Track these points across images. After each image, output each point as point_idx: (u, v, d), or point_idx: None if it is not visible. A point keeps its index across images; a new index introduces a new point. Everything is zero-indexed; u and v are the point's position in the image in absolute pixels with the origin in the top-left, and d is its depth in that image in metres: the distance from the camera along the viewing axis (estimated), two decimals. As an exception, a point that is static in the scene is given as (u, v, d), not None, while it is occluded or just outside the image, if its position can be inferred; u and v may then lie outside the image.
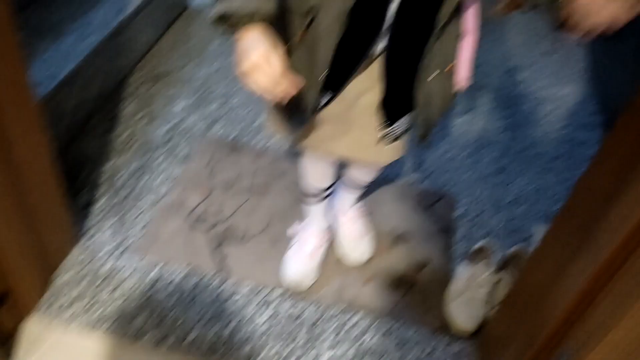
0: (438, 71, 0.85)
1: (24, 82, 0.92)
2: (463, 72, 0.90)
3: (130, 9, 1.69)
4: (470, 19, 0.87)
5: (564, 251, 0.84)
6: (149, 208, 1.37)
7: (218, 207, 1.39)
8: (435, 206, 1.49)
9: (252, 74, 0.72)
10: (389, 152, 1.00)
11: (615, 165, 0.75)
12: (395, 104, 0.90)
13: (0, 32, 0.83)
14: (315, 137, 0.96)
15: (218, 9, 0.71)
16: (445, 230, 1.43)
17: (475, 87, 1.96)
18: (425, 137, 0.95)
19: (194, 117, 1.66)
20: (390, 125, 0.92)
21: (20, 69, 0.90)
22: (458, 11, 0.82)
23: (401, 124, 0.93)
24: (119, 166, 1.47)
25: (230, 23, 0.72)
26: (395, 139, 0.96)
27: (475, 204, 1.52)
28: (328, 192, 1.22)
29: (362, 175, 1.19)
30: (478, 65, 2.09)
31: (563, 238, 0.87)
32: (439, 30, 0.80)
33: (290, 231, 1.32)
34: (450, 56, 0.87)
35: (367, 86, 0.89)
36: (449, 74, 0.88)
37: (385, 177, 1.54)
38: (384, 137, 0.95)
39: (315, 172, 1.15)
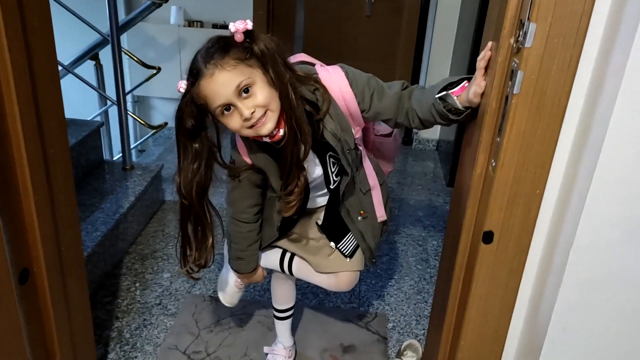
0: (359, 216, 1.40)
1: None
2: (379, 211, 1.45)
3: (124, 207, 2.22)
4: (370, 180, 1.42)
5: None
6: (153, 352, 1.76)
7: (205, 345, 1.80)
8: (372, 322, 1.96)
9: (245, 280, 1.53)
10: (352, 264, 1.43)
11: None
12: (332, 230, 1.42)
13: (67, 203, 1.32)
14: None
15: (234, 269, 1.49)
16: (382, 339, 1.88)
17: (393, 233, 2.54)
18: (372, 259, 1.47)
19: (178, 282, 2.11)
20: (337, 244, 1.42)
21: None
22: (354, 181, 1.38)
23: (346, 244, 1.42)
24: (124, 325, 1.87)
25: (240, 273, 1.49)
26: (349, 255, 1.42)
27: (402, 318, 2.00)
28: (290, 313, 1.68)
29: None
30: (395, 215, 2.70)
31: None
32: (351, 193, 1.37)
33: (265, 349, 1.74)
34: (362, 205, 1.42)
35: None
36: (365, 217, 1.42)
37: (333, 305, 2.01)
38: (339, 252, 1.42)
39: (280, 293, 1.62)
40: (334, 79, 1.23)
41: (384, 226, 1.49)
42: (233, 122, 1.13)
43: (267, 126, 1.14)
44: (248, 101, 1.10)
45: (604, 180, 0.84)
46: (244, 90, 1.09)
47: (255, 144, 1.26)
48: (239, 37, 1.09)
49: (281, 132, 1.17)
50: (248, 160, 1.30)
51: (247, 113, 1.10)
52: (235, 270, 1.50)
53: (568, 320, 0.94)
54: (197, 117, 1.15)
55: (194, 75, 1.10)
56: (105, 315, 1.91)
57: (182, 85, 1.13)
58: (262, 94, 1.11)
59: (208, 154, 1.20)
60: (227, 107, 1.11)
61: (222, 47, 1.09)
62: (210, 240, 1.30)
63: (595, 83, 0.88)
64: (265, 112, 1.12)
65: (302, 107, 1.17)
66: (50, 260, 1.25)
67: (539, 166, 0.96)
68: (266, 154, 1.27)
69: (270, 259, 1.51)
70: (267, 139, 1.19)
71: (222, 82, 1.08)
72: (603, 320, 0.93)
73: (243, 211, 1.39)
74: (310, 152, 1.23)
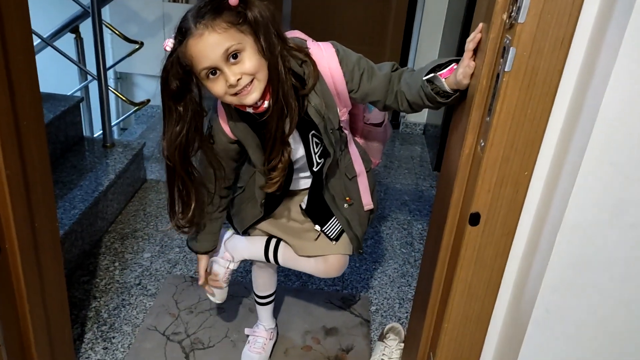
0: (345, 202, 1.37)
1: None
2: (365, 199, 1.42)
3: (104, 185, 2.17)
4: (357, 166, 1.40)
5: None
6: (131, 332, 1.73)
7: (186, 326, 1.77)
8: (355, 305, 1.94)
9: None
10: (338, 248, 1.39)
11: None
12: (316, 214, 1.38)
13: (42, 178, 1.28)
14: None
15: (189, 245, 1.46)
16: (365, 322, 1.87)
17: (378, 217, 2.52)
18: (359, 248, 1.43)
19: (158, 263, 2.08)
20: (322, 227, 1.38)
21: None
22: (338, 165, 1.35)
23: (331, 227, 1.38)
24: (102, 305, 1.83)
25: (194, 251, 1.45)
26: (335, 239, 1.38)
27: (386, 301, 1.99)
28: (271, 299, 1.65)
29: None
30: (381, 199, 2.68)
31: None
32: (336, 177, 1.35)
33: (247, 330, 1.71)
34: (348, 192, 1.39)
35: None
36: (351, 203, 1.39)
37: (316, 288, 1.99)
38: (325, 235, 1.38)
39: (261, 281, 1.59)
40: (325, 55, 1.19)
41: (370, 215, 1.46)
42: (217, 87, 1.09)
43: (252, 96, 1.10)
44: (235, 67, 1.07)
45: (595, 160, 0.82)
46: (233, 55, 1.06)
47: (236, 112, 1.22)
48: (233, 1, 1.05)
49: (265, 104, 1.14)
50: (227, 128, 1.26)
51: (232, 79, 1.07)
52: (189, 248, 1.47)
53: (553, 302, 0.92)
54: (182, 79, 1.11)
55: (182, 33, 1.06)
56: (83, 295, 1.87)
57: (169, 44, 1.10)
58: (251, 61, 1.07)
59: (192, 118, 1.17)
60: (213, 70, 1.08)
61: (215, 8, 1.05)
62: (194, 201, 1.28)
63: (588, 62, 0.85)
64: (252, 81, 1.09)
65: (290, 80, 1.14)
66: (24, 237, 1.21)
67: (528, 146, 0.93)
68: (246, 125, 1.23)
69: (255, 248, 1.48)
70: (250, 110, 1.15)
71: (210, 44, 1.04)
72: (587, 300, 0.92)
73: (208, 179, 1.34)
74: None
